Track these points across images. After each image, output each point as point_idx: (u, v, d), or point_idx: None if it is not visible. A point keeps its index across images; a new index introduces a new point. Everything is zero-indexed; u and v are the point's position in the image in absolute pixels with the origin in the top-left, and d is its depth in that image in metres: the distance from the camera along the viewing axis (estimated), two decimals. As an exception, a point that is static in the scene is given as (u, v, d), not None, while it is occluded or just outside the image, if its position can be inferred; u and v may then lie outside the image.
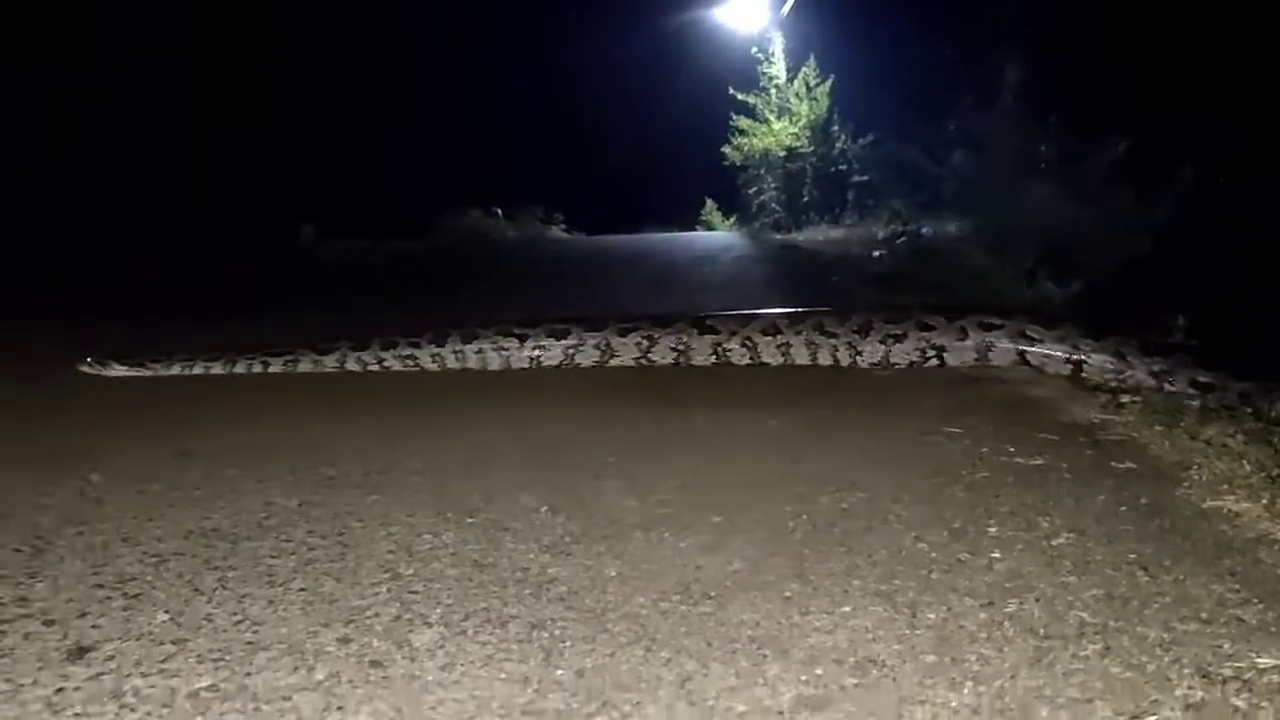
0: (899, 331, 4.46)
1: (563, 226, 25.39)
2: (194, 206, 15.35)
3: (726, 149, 23.41)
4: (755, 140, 22.16)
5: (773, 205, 21.85)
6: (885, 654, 1.69)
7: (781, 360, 4.56)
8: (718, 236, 22.17)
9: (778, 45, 22.07)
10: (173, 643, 1.75)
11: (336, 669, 1.65)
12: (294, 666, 1.66)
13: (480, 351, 4.78)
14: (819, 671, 1.63)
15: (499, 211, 23.32)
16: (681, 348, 4.68)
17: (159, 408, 3.97)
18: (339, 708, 1.52)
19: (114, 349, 4.72)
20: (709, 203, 27.79)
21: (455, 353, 4.79)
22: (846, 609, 1.87)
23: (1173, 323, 5.00)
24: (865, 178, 19.44)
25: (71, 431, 3.53)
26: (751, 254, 14.07)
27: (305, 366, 4.72)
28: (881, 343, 4.47)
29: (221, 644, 1.74)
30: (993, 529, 2.32)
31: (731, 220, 26.21)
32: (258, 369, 4.68)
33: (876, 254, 11.28)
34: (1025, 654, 1.69)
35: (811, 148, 21.13)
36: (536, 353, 4.76)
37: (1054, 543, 2.23)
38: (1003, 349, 4.33)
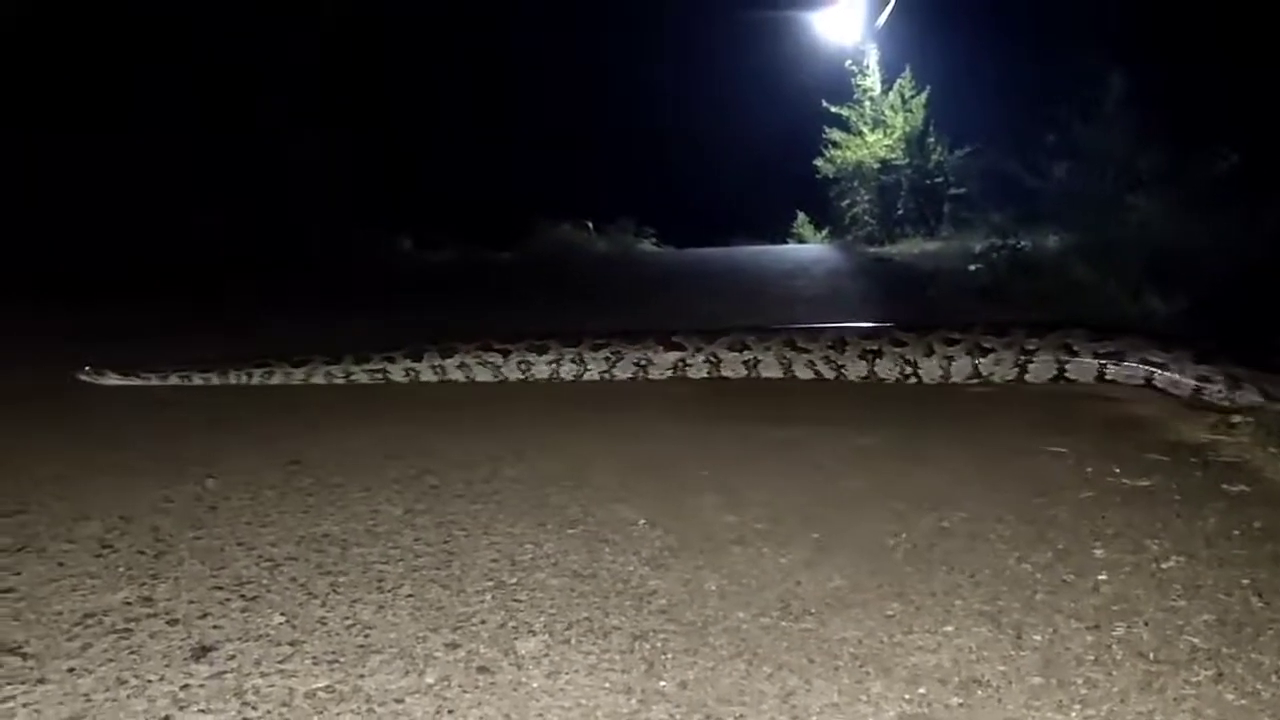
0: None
1: (653, 240, 25.49)
2: (304, 213, 15.85)
3: (819, 161, 23.26)
4: (848, 153, 21.99)
5: (866, 218, 21.64)
6: (990, 674, 1.68)
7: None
8: (810, 249, 22.02)
9: (872, 57, 21.89)
10: (289, 644, 1.82)
11: (446, 674, 1.69)
12: (405, 670, 1.71)
13: (462, 365, 4.84)
14: (922, 690, 1.63)
15: (590, 225, 23.54)
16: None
17: (264, 418, 4.11)
18: (450, 711, 1.57)
19: (207, 354, 4.90)
20: (800, 215, 27.63)
21: (434, 367, 4.85)
22: (949, 628, 1.86)
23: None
24: (961, 190, 19.15)
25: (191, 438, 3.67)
26: (845, 267, 13.95)
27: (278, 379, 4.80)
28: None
29: (335, 646, 1.81)
30: (1099, 551, 2.28)
31: (823, 233, 26.03)
32: (248, 379, 4.76)
33: (973, 267, 11.09)
34: (1134, 678, 1.66)
35: (906, 160, 20.87)
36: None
37: (1163, 566, 2.18)
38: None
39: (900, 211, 20.74)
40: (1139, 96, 9.64)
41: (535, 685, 1.65)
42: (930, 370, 4.44)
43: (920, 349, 4.47)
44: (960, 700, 1.59)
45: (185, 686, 1.66)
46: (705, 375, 4.70)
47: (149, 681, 1.68)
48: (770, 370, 4.65)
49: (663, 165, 28.46)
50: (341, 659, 1.75)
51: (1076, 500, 2.68)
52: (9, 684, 1.67)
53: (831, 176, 23.19)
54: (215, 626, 1.91)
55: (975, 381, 4.38)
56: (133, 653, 1.79)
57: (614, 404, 4.33)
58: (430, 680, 1.67)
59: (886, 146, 21.09)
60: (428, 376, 4.84)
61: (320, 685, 1.66)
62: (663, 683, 1.66)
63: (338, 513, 2.65)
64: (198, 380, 4.75)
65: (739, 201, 27.14)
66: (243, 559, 2.29)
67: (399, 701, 1.60)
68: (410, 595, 2.05)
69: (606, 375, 4.77)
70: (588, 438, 3.60)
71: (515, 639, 1.84)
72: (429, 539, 2.42)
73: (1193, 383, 4.00)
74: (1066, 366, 4.26)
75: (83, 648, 1.81)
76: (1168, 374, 4.09)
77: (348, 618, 1.94)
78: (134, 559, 2.31)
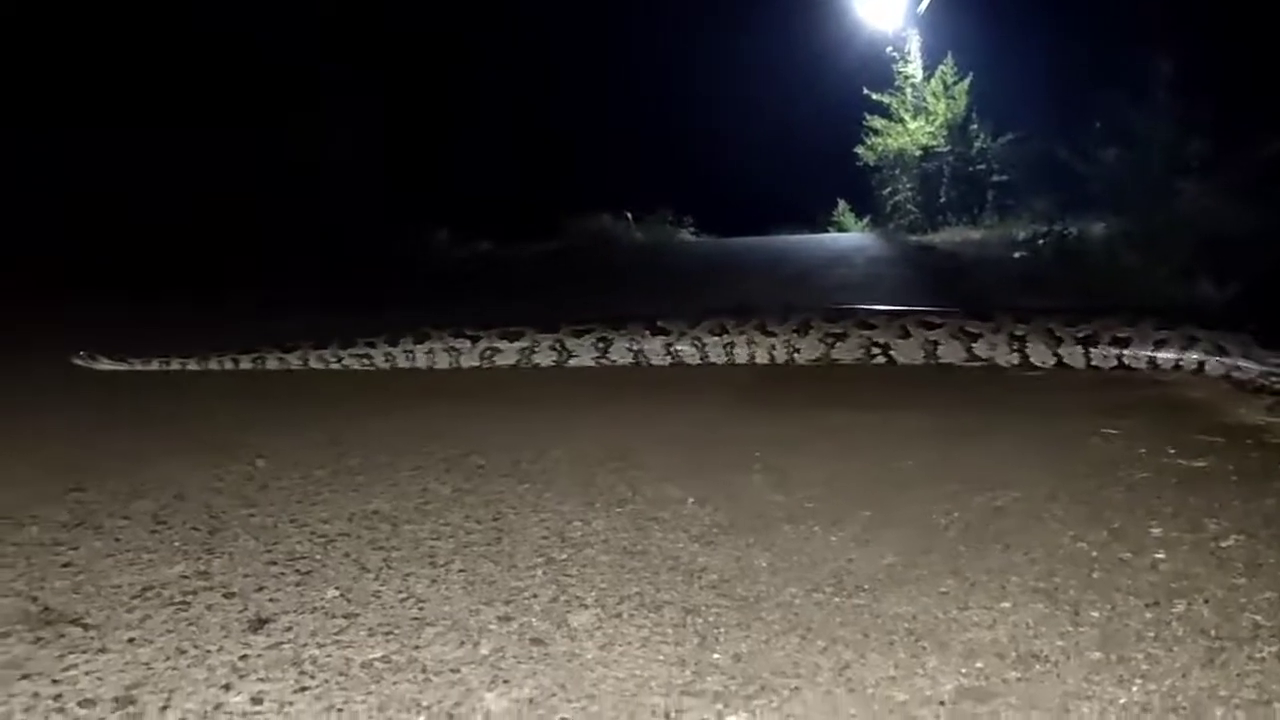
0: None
1: (692, 229, 25.44)
2: (341, 208, 16.01)
3: (860, 149, 23.13)
4: (890, 140, 21.86)
5: (908, 206, 21.51)
6: (1048, 649, 1.66)
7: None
8: (850, 238, 21.92)
9: (914, 44, 21.71)
10: (344, 617, 1.83)
11: (500, 645, 1.70)
12: (459, 641, 1.72)
13: (430, 352, 4.85)
14: (979, 665, 1.61)
15: (628, 215, 23.53)
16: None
17: (316, 397, 4.15)
18: (505, 680, 1.57)
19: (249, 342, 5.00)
20: (841, 204, 27.48)
21: (406, 352, 4.86)
22: (1005, 605, 1.84)
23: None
24: (1005, 177, 18.97)
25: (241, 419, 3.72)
26: (886, 255, 13.87)
27: (272, 364, 4.88)
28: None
29: (390, 619, 1.82)
30: (1155, 530, 2.25)
31: (864, 222, 25.90)
32: (229, 365, 4.85)
33: (1018, 255, 10.97)
34: (1196, 654, 1.63)
35: (948, 147, 20.70)
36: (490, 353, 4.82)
37: (1222, 544, 2.14)
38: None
39: (942, 199, 20.60)
40: (1188, 80, 9.47)
41: (589, 656, 1.65)
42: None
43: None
44: (1018, 674, 1.57)
45: (244, 656, 1.68)
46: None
47: (208, 651, 1.70)
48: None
49: (701, 154, 28.41)
50: (396, 630, 1.76)
51: (1131, 480, 2.64)
52: (71, 653, 1.70)
53: (872, 164, 23.07)
54: (271, 599, 1.93)
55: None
56: (191, 624, 1.81)
57: (656, 389, 4.32)
58: (485, 651, 1.68)
59: (928, 134, 20.95)
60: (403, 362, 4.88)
61: (376, 655, 1.67)
62: (716, 655, 1.65)
63: (387, 491, 2.67)
64: (192, 366, 4.86)
65: (778, 190, 27.05)
66: (295, 535, 2.32)
67: (454, 671, 1.61)
68: (462, 570, 2.06)
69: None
70: (632, 420, 3.60)
71: (567, 612, 1.84)
72: (478, 516, 2.43)
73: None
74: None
75: (142, 619, 1.84)
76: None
77: (401, 591, 1.95)
78: (189, 535, 2.33)
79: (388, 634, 1.75)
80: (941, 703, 1.49)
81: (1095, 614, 1.80)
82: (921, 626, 1.75)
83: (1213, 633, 1.71)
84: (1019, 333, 4.32)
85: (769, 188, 27.16)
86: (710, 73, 29.24)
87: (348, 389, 4.44)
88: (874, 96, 22.09)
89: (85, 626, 1.81)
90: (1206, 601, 1.84)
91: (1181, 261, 6.91)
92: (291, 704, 1.51)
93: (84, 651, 1.71)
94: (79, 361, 4.83)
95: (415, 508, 2.52)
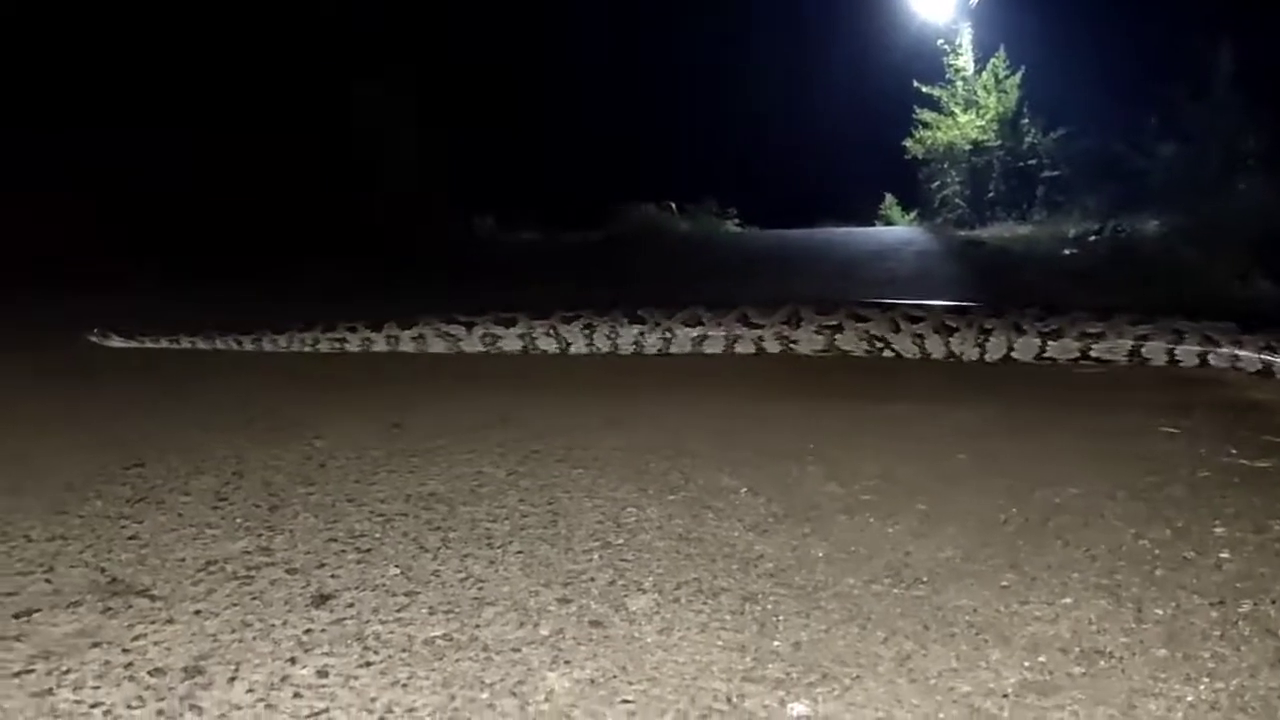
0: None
1: (736, 221, 25.36)
2: (394, 197, 16.19)
3: (908, 142, 22.92)
4: (939, 133, 21.65)
5: (956, 200, 21.30)
6: (1112, 646, 1.64)
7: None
8: (898, 232, 21.74)
9: (965, 36, 21.47)
10: (405, 594, 1.85)
11: (559, 626, 1.71)
12: (520, 622, 1.73)
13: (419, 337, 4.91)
14: (1042, 659, 1.59)
15: (673, 205, 23.51)
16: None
17: (375, 383, 4.20)
18: (566, 661, 1.58)
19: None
20: (888, 197, 27.25)
21: (389, 338, 4.93)
22: (1067, 600, 1.82)
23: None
24: (1055, 173, 18.72)
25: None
26: (935, 250, 13.75)
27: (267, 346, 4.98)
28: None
29: (450, 598, 1.84)
30: (1219, 529, 2.22)
31: (911, 215, 25.67)
32: (235, 346, 4.98)
33: (1068, 251, 10.84)
34: (1264, 654, 1.61)
35: (999, 141, 20.46)
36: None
37: (1288, 546, 2.11)
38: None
39: (991, 194, 20.37)
40: (1247, 74, 9.30)
41: (649, 640, 1.66)
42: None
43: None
44: (1083, 670, 1.56)
45: (308, 631, 1.70)
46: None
47: (273, 625, 1.72)
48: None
49: (747, 145, 28.29)
50: (457, 609, 1.78)
51: (1193, 479, 2.60)
52: (140, 623, 1.73)
53: (921, 158, 22.85)
54: (333, 576, 1.95)
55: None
56: (255, 598, 1.84)
57: (705, 379, 4.33)
58: (545, 632, 1.69)
59: (979, 128, 20.72)
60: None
61: (438, 634, 1.68)
62: (776, 642, 1.65)
63: (442, 473, 2.70)
64: (194, 344, 4.99)
65: (824, 182, 26.89)
66: (354, 514, 2.34)
67: (515, 651, 1.62)
68: (520, 552, 2.08)
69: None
70: (684, 410, 3.60)
71: (625, 596, 1.84)
72: (533, 500, 2.45)
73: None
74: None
75: (207, 592, 1.87)
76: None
77: (460, 571, 1.97)
78: (250, 511, 2.37)
79: (448, 612, 1.77)
80: (1005, 695, 1.48)
81: (1159, 611, 1.78)
82: (982, 619, 1.74)
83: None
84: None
85: (815, 179, 27.02)
86: (757, 63, 29.09)
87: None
88: (924, 89, 21.88)
89: (152, 598, 1.84)
90: (1273, 602, 1.81)
91: (1241, 258, 6.80)
92: (356, 678, 1.53)
93: (152, 622, 1.74)
94: (93, 339, 5.00)
95: (471, 490, 2.54)
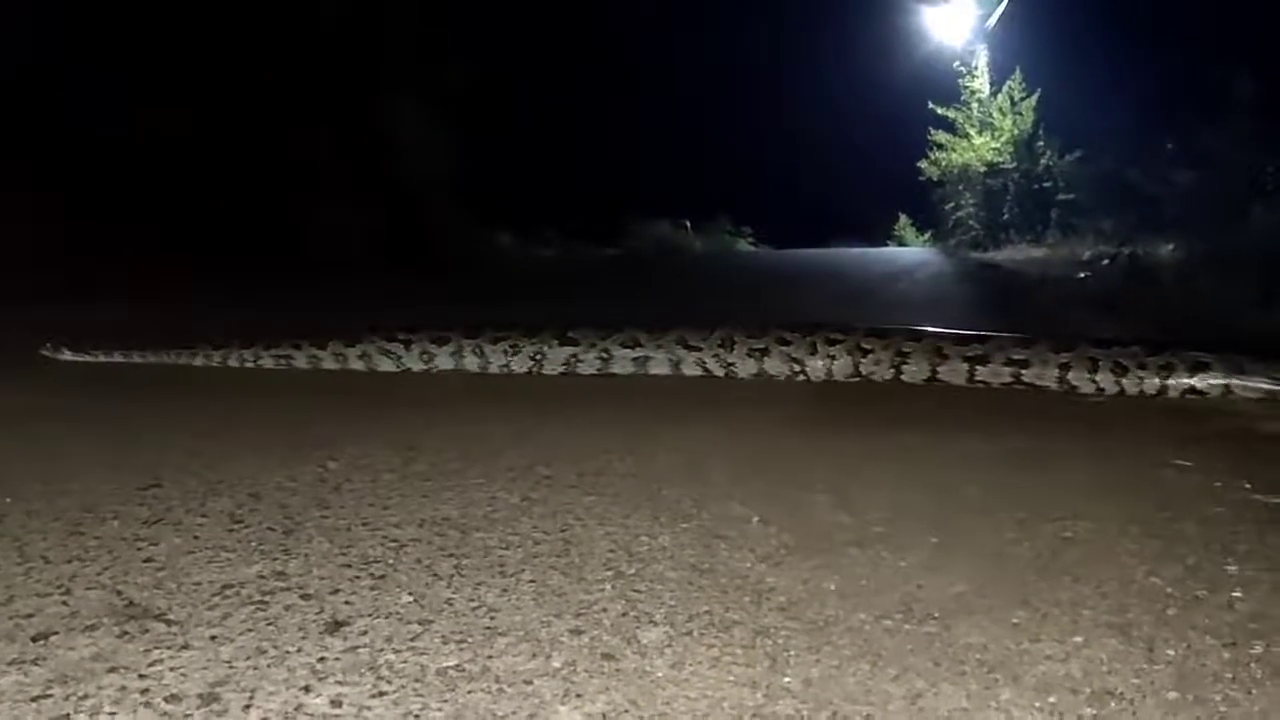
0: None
1: (750, 239, 25.40)
2: (413, 211, 16.29)
3: (923, 164, 22.92)
4: (954, 155, 21.65)
5: (970, 222, 21.28)
6: (1123, 687, 1.64)
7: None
8: (911, 253, 21.73)
9: (981, 58, 21.50)
10: (418, 623, 1.87)
11: (571, 658, 1.72)
12: (532, 653, 1.74)
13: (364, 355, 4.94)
14: (1053, 699, 1.60)
15: (687, 224, 23.57)
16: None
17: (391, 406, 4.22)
18: (577, 695, 1.59)
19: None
20: (902, 218, 27.25)
21: (336, 355, 4.97)
22: (1078, 639, 1.82)
23: None
24: (1071, 196, 18.68)
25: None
26: (949, 272, 13.74)
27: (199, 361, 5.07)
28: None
29: (462, 627, 1.85)
30: (1232, 567, 2.21)
31: (925, 237, 25.66)
32: (184, 360, 5.07)
33: (1083, 275, 10.82)
34: (1277, 698, 1.61)
35: (1014, 164, 20.44)
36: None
37: (1302, 586, 2.10)
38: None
39: (1006, 216, 20.34)
40: (1265, 100, 9.29)
41: (660, 675, 1.67)
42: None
43: None
44: (1094, 711, 1.56)
45: (321, 659, 1.71)
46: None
47: (287, 653, 1.74)
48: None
49: (761, 165, 28.34)
50: (469, 639, 1.79)
51: (1206, 515, 2.60)
52: (156, 648, 1.75)
53: (935, 179, 22.85)
54: (346, 602, 1.96)
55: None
56: (269, 624, 1.86)
57: (722, 404, 4.34)
58: (557, 664, 1.70)
59: (994, 149, 20.70)
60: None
61: (450, 664, 1.70)
62: (787, 679, 1.66)
63: (456, 498, 2.71)
64: (139, 358, 5.08)
65: (838, 202, 26.88)
66: (368, 539, 2.36)
67: (527, 683, 1.63)
68: (532, 581, 2.09)
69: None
70: (698, 436, 3.61)
71: (637, 628, 1.85)
72: (546, 527, 2.46)
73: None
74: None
75: (222, 617, 1.88)
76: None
77: (473, 600, 1.98)
78: (265, 535, 2.39)
79: (460, 642, 1.78)
80: (1015, 737, 1.49)
81: (1171, 652, 1.78)
82: (993, 657, 1.74)
83: (1293, 677, 1.68)
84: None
85: (829, 199, 27.02)
86: (773, 84, 29.18)
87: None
88: (939, 111, 21.90)
89: (168, 622, 1.86)
90: (1286, 644, 1.81)
91: (1259, 285, 6.78)
92: (369, 708, 1.54)
93: (168, 647, 1.75)
94: (46, 353, 5.08)
95: (484, 516, 2.55)
